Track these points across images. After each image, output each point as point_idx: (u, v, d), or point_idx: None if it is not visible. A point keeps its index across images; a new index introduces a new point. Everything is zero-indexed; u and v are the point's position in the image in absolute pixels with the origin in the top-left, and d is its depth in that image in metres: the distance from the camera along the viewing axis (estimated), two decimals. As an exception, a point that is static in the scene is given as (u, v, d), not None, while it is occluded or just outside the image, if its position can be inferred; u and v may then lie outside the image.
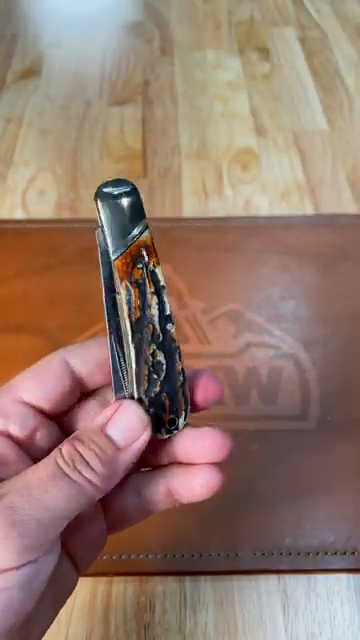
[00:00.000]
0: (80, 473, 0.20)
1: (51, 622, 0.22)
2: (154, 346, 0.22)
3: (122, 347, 0.23)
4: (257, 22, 0.84)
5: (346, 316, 0.48)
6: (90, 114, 0.69)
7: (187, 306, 0.48)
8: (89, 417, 0.25)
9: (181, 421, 0.23)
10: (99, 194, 0.22)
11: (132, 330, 0.22)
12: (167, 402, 0.23)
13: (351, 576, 0.36)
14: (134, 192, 0.22)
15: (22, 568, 0.19)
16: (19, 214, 0.57)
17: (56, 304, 0.48)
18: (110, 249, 0.22)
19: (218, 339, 0.46)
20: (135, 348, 0.22)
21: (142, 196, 0.22)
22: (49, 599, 0.21)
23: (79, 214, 0.57)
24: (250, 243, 0.53)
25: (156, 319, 0.22)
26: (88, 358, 0.24)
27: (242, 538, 0.37)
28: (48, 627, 0.22)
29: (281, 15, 0.85)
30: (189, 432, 0.23)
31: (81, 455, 0.20)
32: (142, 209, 0.22)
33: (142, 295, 0.22)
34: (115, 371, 0.22)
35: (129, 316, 0.22)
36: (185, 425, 0.23)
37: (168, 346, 0.23)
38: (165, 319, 0.22)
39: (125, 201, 0.22)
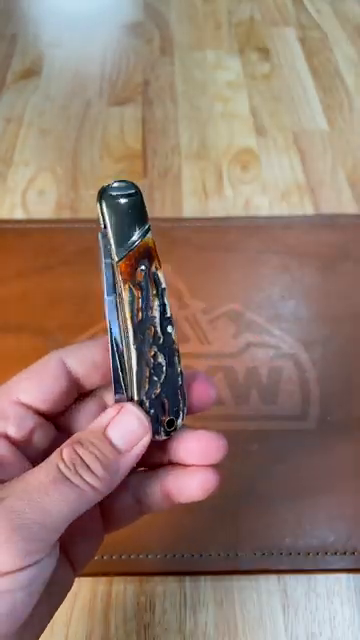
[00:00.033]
0: (81, 477, 0.20)
1: (47, 622, 0.22)
2: (155, 348, 0.22)
3: (123, 348, 0.23)
4: (257, 22, 0.84)
5: (346, 316, 0.48)
6: (90, 114, 0.69)
7: (187, 306, 0.48)
8: (86, 418, 0.25)
9: (179, 422, 0.23)
10: (103, 196, 0.22)
11: (134, 332, 0.22)
12: (166, 403, 0.23)
13: (351, 576, 0.36)
14: (137, 194, 0.22)
15: (24, 571, 0.19)
16: (19, 214, 0.57)
17: (56, 304, 0.48)
18: (113, 251, 0.22)
19: (218, 339, 0.46)
20: (137, 350, 0.22)
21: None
22: (46, 600, 0.21)
23: (79, 214, 0.57)
24: (250, 243, 0.53)
25: (157, 321, 0.22)
26: (85, 359, 0.24)
27: (242, 538, 0.37)
28: (44, 628, 0.22)
29: (281, 15, 0.85)
30: (185, 434, 0.23)
31: (82, 459, 0.20)
32: (145, 211, 0.22)
33: (144, 297, 0.22)
34: (115, 372, 0.22)
35: (131, 318, 0.22)
36: (181, 426, 0.23)
37: (168, 348, 0.23)
38: (166, 321, 0.22)
39: (129, 203, 0.22)
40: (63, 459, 0.20)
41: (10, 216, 0.57)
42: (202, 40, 0.80)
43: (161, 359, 0.22)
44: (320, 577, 0.36)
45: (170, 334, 0.23)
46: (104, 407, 0.25)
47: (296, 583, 0.36)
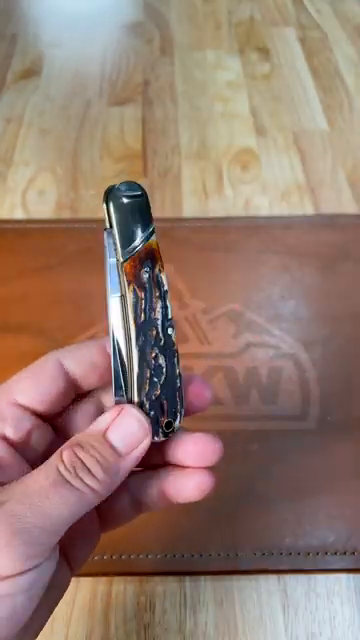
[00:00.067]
0: (81, 480, 0.20)
1: (45, 622, 0.22)
2: (156, 349, 0.22)
3: (124, 349, 0.22)
4: (257, 22, 0.84)
5: (346, 316, 0.48)
6: (90, 114, 0.69)
7: (187, 306, 0.48)
8: (84, 419, 0.25)
9: (176, 424, 0.23)
10: (110, 196, 0.22)
11: (136, 333, 0.22)
12: (165, 405, 0.23)
13: (351, 576, 0.36)
14: (143, 195, 0.22)
15: (24, 575, 0.19)
16: (19, 214, 0.57)
17: (56, 304, 0.48)
18: (119, 252, 0.22)
19: (218, 339, 0.46)
20: (139, 351, 0.22)
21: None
22: (44, 600, 0.21)
23: (79, 214, 0.57)
24: (250, 243, 0.53)
25: (159, 323, 0.22)
26: (83, 360, 0.24)
27: (242, 538, 0.37)
28: (43, 627, 0.22)
29: (281, 15, 0.85)
30: (183, 436, 0.23)
31: (82, 462, 0.20)
32: (150, 213, 0.22)
33: (147, 298, 0.22)
34: (116, 373, 0.22)
35: (134, 319, 0.22)
36: (178, 428, 0.23)
37: (169, 350, 0.23)
38: (167, 322, 0.23)
39: (135, 204, 0.22)
40: (63, 462, 0.20)
41: (10, 216, 0.57)
42: (202, 40, 0.80)
43: (162, 360, 0.23)
44: (320, 577, 0.36)
45: (170, 336, 0.23)
46: (101, 408, 0.25)
47: (296, 583, 0.36)
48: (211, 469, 0.23)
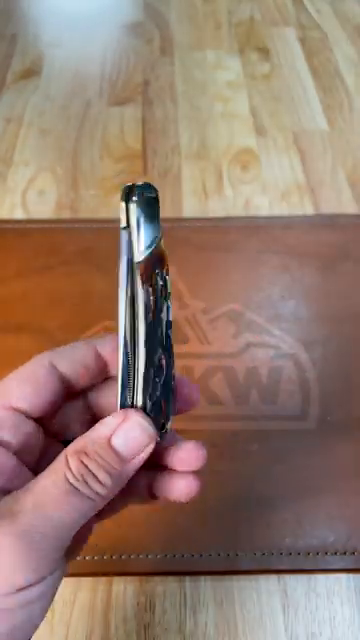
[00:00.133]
0: (90, 487, 0.20)
1: (42, 619, 0.22)
2: (160, 350, 0.23)
3: (132, 349, 0.22)
4: (257, 22, 0.84)
5: (346, 316, 0.48)
6: (90, 114, 0.69)
7: (187, 306, 0.48)
8: (76, 419, 0.25)
9: (169, 425, 0.23)
10: (131, 195, 0.22)
11: (146, 332, 0.22)
12: (163, 406, 0.23)
13: (351, 576, 0.36)
14: (157, 198, 0.22)
15: (40, 583, 0.19)
16: (19, 214, 0.57)
17: (56, 304, 0.48)
18: (136, 251, 0.22)
19: (218, 339, 0.46)
20: (146, 351, 0.22)
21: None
22: None
23: (79, 214, 0.57)
24: (250, 243, 0.53)
25: (164, 323, 0.23)
26: (75, 361, 0.24)
27: (242, 538, 0.37)
28: (38, 625, 0.22)
29: (281, 15, 0.85)
30: (173, 441, 0.24)
31: (89, 470, 0.20)
32: (159, 216, 0.22)
33: (156, 299, 0.22)
34: (124, 372, 0.22)
35: (145, 318, 0.22)
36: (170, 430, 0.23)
37: (169, 350, 0.23)
38: (169, 324, 0.23)
39: (153, 205, 0.22)
40: (71, 470, 0.20)
41: (10, 216, 0.57)
42: (202, 40, 0.80)
43: (163, 361, 0.23)
44: (320, 577, 0.36)
45: (170, 336, 0.23)
46: (92, 407, 0.25)
47: (296, 583, 0.36)
48: (197, 473, 0.24)
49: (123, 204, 0.21)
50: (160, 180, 0.61)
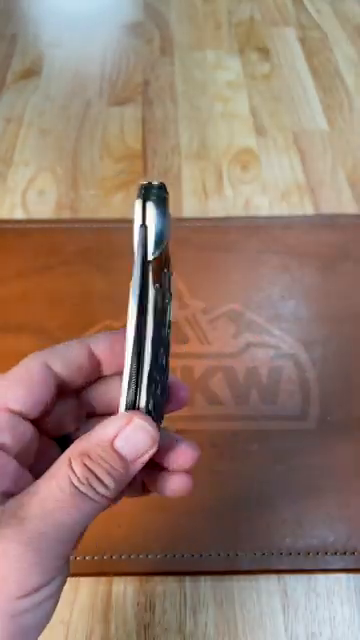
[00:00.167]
0: (95, 490, 0.20)
1: (49, 621, 0.22)
2: (162, 349, 0.23)
3: (140, 347, 0.22)
4: (257, 22, 0.84)
5: (346, 316, 0.48)
6: (90, 114, 0.69)
7: (187, 306, 0.48)
8: (70, 418, 0.25)
9: (162, 423, 0.23)
10: (148, 193, 0.22)
11: (153, 332, 0.22)
12: (161, 403, 0.23)
13: (351, 576, 0.36)
14: (168, 199, 0.22)
15: (49, 585, 0.20)
16: (19, 214, 0.57)
17: (56, 304, 0.48)
18: (150, 249, 0.22)
19: (218, 339, 0.46)
20: (152, 350, 0.22)
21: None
22: None
23: (79, 214, 0.57)
24: (250, 243, 0.53)
25: (166, 322, 0.23)
26: (69, 361, 0.24)
27: (242, 538, 0.37)
28: (45, 626, 0.22)
29: (281, 15, 0.85)
30: (168, 442, 0.24)
31: (93, 473, 0.20)
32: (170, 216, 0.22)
33: (163, 298, 0.22)
34: (131, 371, 0.22)
35: (154, 317, 0.22)
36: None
37: (168, 349, 0.23)
38: (169, 324, 0.23)
39: (166, 206, 0.22)
40: (76, 474, 0.20)
41: (10, 216, 0.57)
42: (202, 40, 0.80)
43: (164, 360, 0.23)
44: (320, 577, 0.36)
45: (169, 335, 0.23)
46: (85, 406, 0.25)
47: (296, 583, 0.36)
48: (192, 471, 0.24)
49: (140, 202, 0.21)
50: (160, 180, 0.60)
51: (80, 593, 0.35)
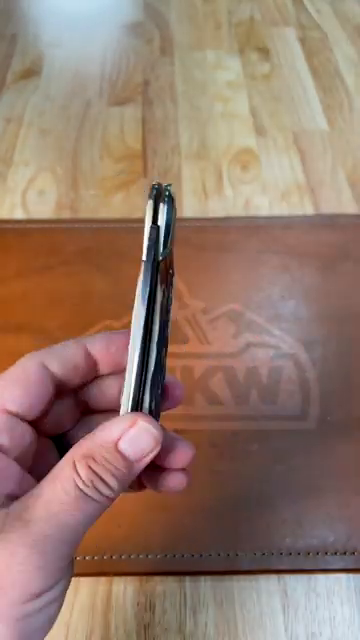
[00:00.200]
0: (99, 492, 0.20)
1: (54, 622, 0.22)
2: (164, 349, 0.23)
3: (145, 348, 0.23)
4: (257, 22, 0.84)
5: (346, 316, 0.48)
6: (90, 114, 0.69)
7: (187, 306, 0.48)
8: (67, 418, 0.25)
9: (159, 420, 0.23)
10: (163, 195, 0.22)
11: (159, 332, 0.22)
12: (159, 402, 0.23)
13: (351, 576, 0.36)
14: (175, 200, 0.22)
15: (55, 587, 0.20)
16: (19, 214, 0.57)
17: (56, 304, 0.48)
18: (160, 250, 0.22)
19: (218, 339, 0.46)
20: (157, 350, 0.22)
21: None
22: None
23: (79, 214, 0.57)
24: (250, 243, 0.53)
25: (169, 323, 0.23)
26: (66, 361, 0.24)
27: (242, 538, 0.37)
28: (51, 627, 0.22)
29: (281, 15, 0.85)
30: (167, 441, 0.24)
31: (98, 475, 0.20)
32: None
33: (167, 299, 0.22)
34: (137, 373, 0.22)
35: (160, 317, 0.22)
36: None
37: (167, 348, 0.23)
38: (169, 324, 0.23)
39: (174, 207, 0.22)
40: (80, 477, 0.20)
41: (10, 216, 0.57)
42: (202, 40, 0.80)
43: (165, 360, 0.23)
44: (320, 577, 0.36)
45: (168, 335, 0.23)
46: (81, 405, 0.25)
47: (296, 583, 0.36)
48: (185, 470, 0.24)
49: (152, 202, 0.21)
50: (160, 180, 0.60)
51: (80, 593, 0.35)
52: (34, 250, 0.53)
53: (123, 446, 0.21)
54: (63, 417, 0.25)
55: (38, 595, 0.19)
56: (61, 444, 0.25)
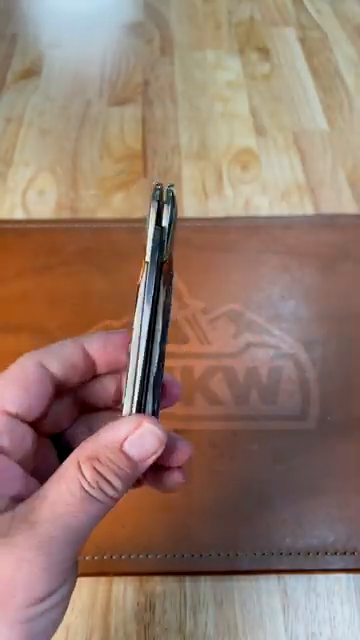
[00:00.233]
0: (104, 493, 0.20)
1: (60, 623, 0.23)
2: (164, 348, 0.23)
3: (148, 348, 0.23)
4: (257, 22, 0.84)
5: (346, 316, 0.48)
6: (90, 114, 0.69)
7: (187, 306, 0.48)
8: (66, 417, 0.25)
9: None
10: (170, 196, 0.22)
11: (162, 332, 0.22)
12: (160, 402, 0.23)
13: (351, 576, 0.36)
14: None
15: (61, 588, 0.20)
16: (19, 214, 0.57)
17: (56, 304, 0.48)
18: (165, 251, 0.22)
19: (218, 339, 0.46)
20: (160, 350, 0.22)
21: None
22: None
23: (79, 214, 0.57)
24: (250, 243, 0.53)
25: (169, 323, 0.23)
26: (64, 361, 0.24)
27: (242, 538, 0.37)
28: (57, 628, 0.22)
29: (281, 15, 0.85)
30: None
31: (104, 477, 0.21)
32: None
33: (168, 299, 0.22)
34: (143, 373, 0.22)
35: (163, 317, 0.22)
36: None
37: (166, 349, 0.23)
38: (169, 323, 0.23)
39: (176, 207, 0.22)
40: (86, 478, 0.20)
41: (10, 216, 0.57)
42: (202, 40, 0.80)
43: (165, 359, 0.23)
44: (320, 577, 0.36)
45: (167, 334, 0.23)
46: (77, 404, 0.25)
47: (296, 583, 0.36)
48: (181, 468, 0.25)
49: (156, 203, 0.21)
50: (160, 180, 0.60)
51: (80, 593, 0.35)
52: (34, 250, 0.53)
53: (128, 447, 0.21)
54: (61, 416, 0.25)
55: (43, 598, 0.19)
56: (59, 443, 0.25)
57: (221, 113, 0.69)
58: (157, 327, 0.22)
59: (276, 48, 0.79)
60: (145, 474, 0.24)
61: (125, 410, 0.23)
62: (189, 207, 0.58)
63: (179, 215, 0.61)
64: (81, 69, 0.76)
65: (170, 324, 0.23)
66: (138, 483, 0.25)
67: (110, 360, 0.24)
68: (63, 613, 0.21)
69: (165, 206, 0.21)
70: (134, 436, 0.21)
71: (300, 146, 0.65)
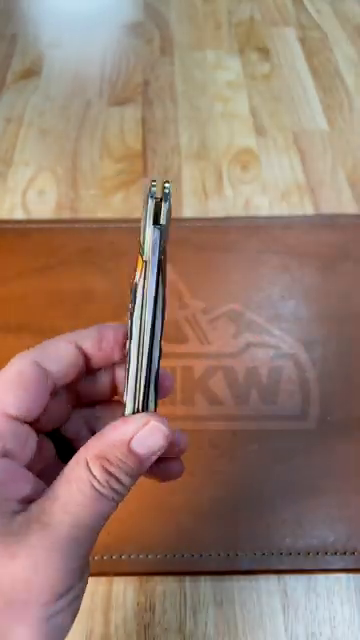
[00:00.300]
0: (115, 491, 0.21)
1: (74, 620, 0.23)
2: (162, 344, 0.23)
3: (150, 347, 0.23)
4: (257, 22, 0.84)
5: (346, 316, 0.48)
6: (90, 114, 0.69)
7: (187, 306, 0.48)
8: (63, 415, 0.25)
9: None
10: (169, 195, 0.22)
11: (161, 330, 0.23)
12: (158, 396, 0.24)
13: (351, 576, 0.36)
14: None
15: (75, 586, 0.21)
16: (19, 214, 0.57)
17: (56, 304, 0.48)
18: (164, 249, 0.22)
19: (218, 339, 0.46)
20: (160, 347, 0.23)
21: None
22: None
23: (79, 214, 0.57)
24: (250, 243, 0.53)
25: (164, 321, 0.23)
26: (60, 359, 0.24)
27: (242, 538, 0.37)
28: (72, 626, 0.23)
29: (281, 15, 0.85)
30: None
31: (113, 475, 0.21)
32: None
33: (164, 295, 0.23)
34: (147, 372, 0.22)
35: (162, 317, 0.22)
36: None
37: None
38: (164, 321, 0.23)
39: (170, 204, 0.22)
40: (96, 478, 0.21)
41: (10, 216, 0.57)
42: (202, 40, 0.80)
43: (162, 355, 0.23)
44: (320, 577, 0.36)
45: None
46: (73, 399, 0.26)
47: (296, 583, 0.36)
48: (179, 459, 0.25)
49: (153, 201, 0.21)
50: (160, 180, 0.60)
51: (80, 593, 0.35)
52: (34, 250, 0.53)
53: (135, 445, 0.21)
54: (57, 413, 0.25)
55: (59, 596, 0.20)
56: (55, 438, 0.25)
57: (221, 113, 0.69)
58: (157, 324, 0.22)
59: (276, 48, 0.79)
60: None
61: (129, 408, 0.23)
62: (189, 207, 0.58)
63: (179, 215, 0.61)
64: (81, 69, 0.76)
65: (164, 319, 0.23)
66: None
67: (104, 355, 0.25)
68: (77, 610, 0.21)
69: (164, 204, 0.21)
70: (141, 434, 0.22)
71: (300, 146, 0.65)
